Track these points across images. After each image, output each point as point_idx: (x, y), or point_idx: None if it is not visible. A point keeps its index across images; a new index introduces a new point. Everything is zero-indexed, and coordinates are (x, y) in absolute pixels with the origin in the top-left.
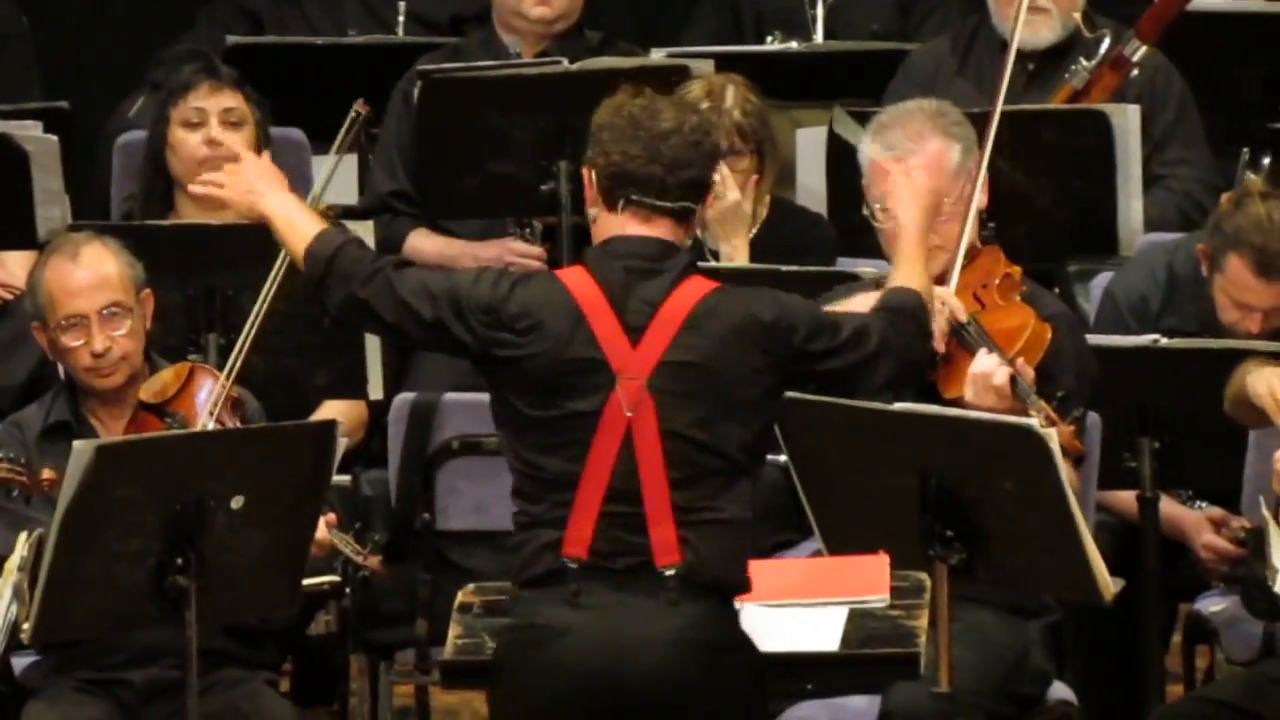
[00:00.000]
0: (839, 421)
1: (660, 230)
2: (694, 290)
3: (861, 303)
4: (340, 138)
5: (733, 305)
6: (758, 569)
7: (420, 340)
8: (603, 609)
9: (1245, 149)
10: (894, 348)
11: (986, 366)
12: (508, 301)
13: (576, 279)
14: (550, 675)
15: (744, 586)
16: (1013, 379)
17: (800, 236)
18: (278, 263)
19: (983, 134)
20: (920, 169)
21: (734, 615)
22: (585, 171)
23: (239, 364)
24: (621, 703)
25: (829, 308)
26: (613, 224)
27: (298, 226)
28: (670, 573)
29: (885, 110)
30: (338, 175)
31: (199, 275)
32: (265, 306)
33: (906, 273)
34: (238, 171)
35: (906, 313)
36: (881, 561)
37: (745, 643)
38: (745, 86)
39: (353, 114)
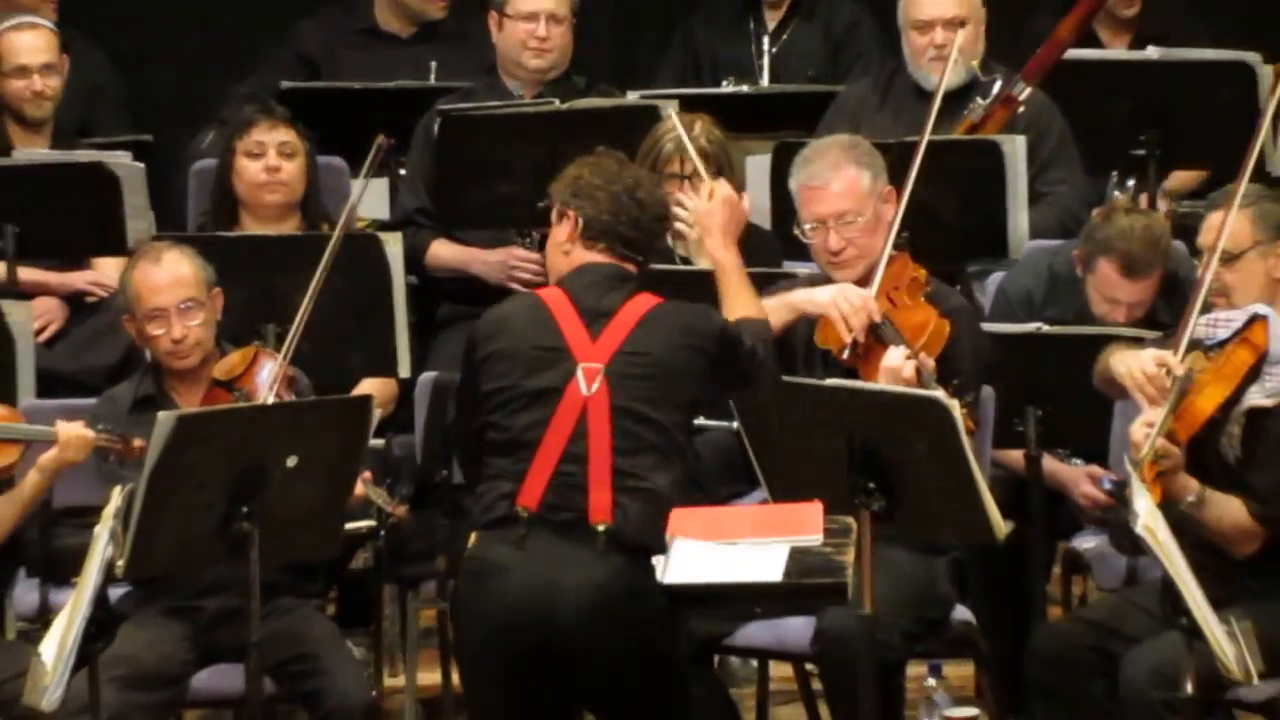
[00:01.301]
0: (783, 394)
1: (619, 260)
2: (644, 302)
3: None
4: (366, 164)
5: (675, 315)
6: (715, 514)
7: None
8: (542, 554)
9: (1114, 172)
10: (769, 368)
11: (895, 362)
12: (481, 333)
13: (550, 292)
14: (493, 605)
15: (662, 549)
16: (917, 371)
17: (751, 247)
18: (321, 265)
19: (907, 162)
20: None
21: (650, 570)
22: (571, 215)
23: (292, 348)
24: (549, 635)
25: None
26: (586, 255)
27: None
28: (601, 529)
29: (808, 146)
30: (374, 195)
31: (258, 277)
32: (312, 302)
33: (740, 303)
34: (720, 203)
35: (768, 342)
36: (816, 508)
37: (656, 593)
38: (709, 121)
39: (376, 145)
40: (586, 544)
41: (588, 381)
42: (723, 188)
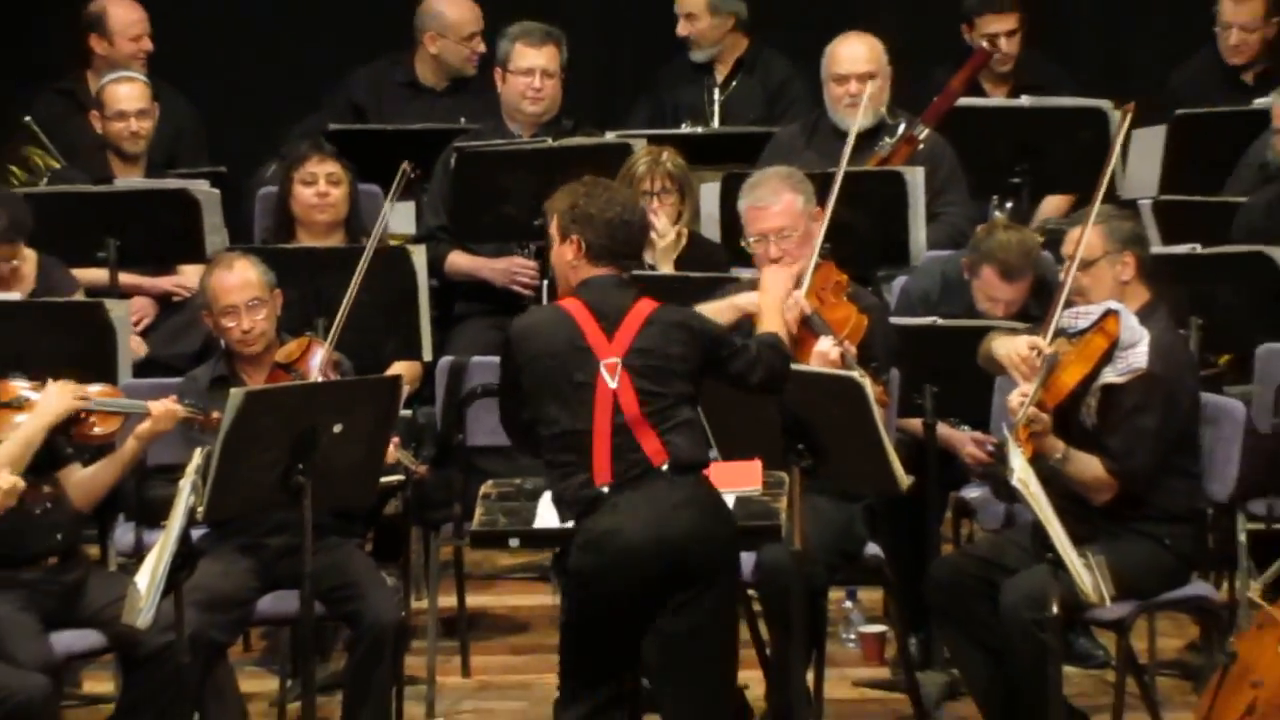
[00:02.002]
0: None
1: (619, 271)
2: (647, 305)
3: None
4: (394, 187)
5: (673, 316)
6: None
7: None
8: (633, 506)
9: (995, 197)
10: (766, 363)
11: (825, 348)
12: (525, 331)
13: (569, 302)
14: (619, 561)
15: (707, 460)
16: (842, 355)
17: (704, 255)
18: (358, 271)
19: (829, 188)
20: (784, 273)
21: (707, 480)
22: (575, 239)
23: (336, 337)
24: (668, 556)
25: (714, 301)
26: (591, 270)
27: None
28: (664, 467)
29: (754, 175)
30: (403, 215)
31: (311, 280)
32: (351, 300)
33: (767, 325)
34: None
35: (773, 347)
36: (756, 465)
37: (722, 498)
38: (673, 151)
39: (401, 170)
40: (660, 482)
41: (610, 375)
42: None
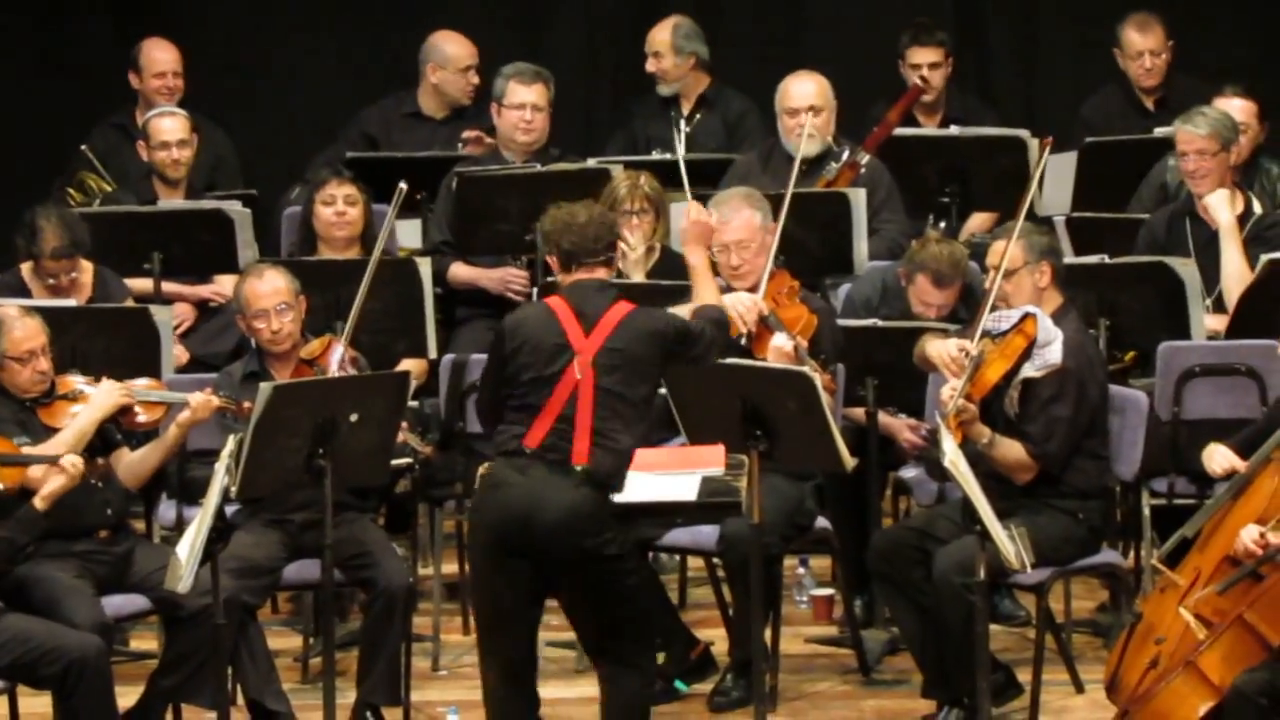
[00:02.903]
0: (696, 370)
1: (597, 274)
2: (622, 309)
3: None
4: (394, 203)
5: (643, 319)
6: (652, 452)
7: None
8: (536, 478)
9: (931, 215)
10: (716, 341)
11: (781, 343)
12: (514, 325)
13: (555, 301)
14: (496, 508)
15: (618, 488)
16: (796, 349)
17: (674, 267)
18: (366, 278)
19: (779, 208)
20: (701, 212)
21: (608, 501)
22: (550, 258)
23: (350, 335)
24: (532, 535)
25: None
26: (570, 276)
27: None
28: (579, 468)
29: (718, 194)
30: (411, 231)
31: (331, 287)
32: (361, 303)
33: (704, 293)
34: (691, 221)
35: (719, 320)
36: (720, 448)
37: (609, 516)
38: (650, 175)
39: (398, 190)
40: (568, 476)
41: (580, 368)
42: (695, 210)
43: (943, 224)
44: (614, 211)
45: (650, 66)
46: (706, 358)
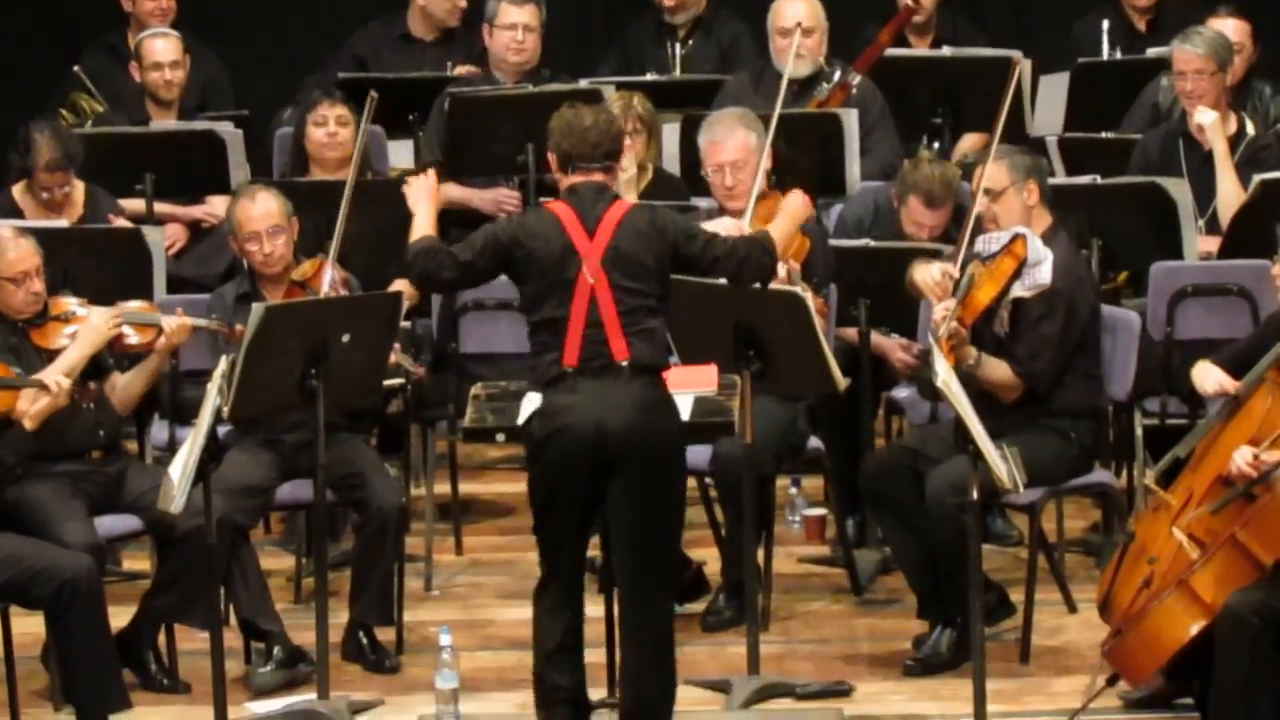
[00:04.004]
0: (688, 290)
1: (595, 178)
2: (621, 207)
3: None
4: (365, 113)
5: (644, 215)
6: None
7: (462, 276)
8: (589, 392)
9: (923, 136)
10: (745, 259)
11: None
12: (515, 234)
13: (557, 205)
14: (564, 433)
15: (666, 365)
16: (789, 273)
17: (668, 188)
18: (345, 196)
19: (768, 127)
20: (805, 200)
21: (662, 383)
22: (549, 156)
23: (336, 254)
24: (607, 441)
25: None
26: (569, 179)
27: (417, 229)
28: (624, 364)
29: (712, 115)
30: (404, 151)
31: (322, 209)
32: (343, 225)
33: (774, 229)
34: (414, 184)
35: (759, 243)
36: (713, 369)
37: (670, 399)
38: (643, 96)
39: (369, 98)
40: (618, 377)
41: (591, 272)
42: (798, 197)
43: (935, 145)
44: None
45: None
46: (724, 265)
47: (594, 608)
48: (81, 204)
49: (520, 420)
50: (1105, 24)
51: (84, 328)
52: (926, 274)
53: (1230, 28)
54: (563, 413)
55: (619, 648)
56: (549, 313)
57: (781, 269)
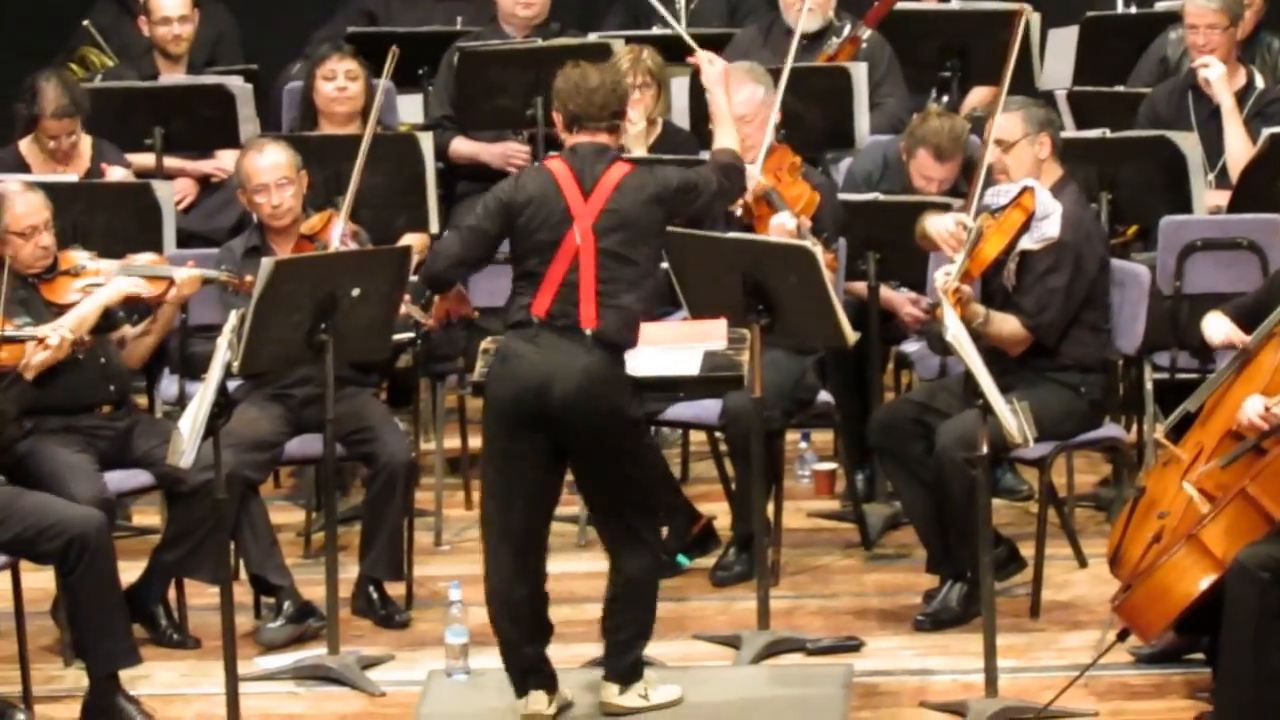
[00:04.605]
0: (697, 244)
1: (599, 139)
2: (621, 169)
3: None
4: (385, 68)
5: (643, 177)
6: (654, 326)
7: (485, 245)
8: (547, 346)
9: (932, 89)
10: (724, 189)
11: (783, 221)
12: (514, 194)
13: (554, 163)
14: (512, 380)
15: (630, 346)
16: (799, 228)
17: (676, 142)
18: (361, 151)
19: (778, 81)
20: (718, 60)
21: (622, 360)
22: (555, 115)
23: (349, 210)
24: (549, 402)
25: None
26: (573, 138)
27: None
28: (589, 332)
29: None
30: (413, 106)
31: (331, 162)
32: (358, 180)
33: (723, 136)
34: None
35: (730, 165)
36: (722, 323)
37: (625, 375)
38: (652, 50)
39: (390, 53)
40: (578, 341)
41: (580, 233)
42: (707, 56)
43: (944, 98)
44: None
45: None
46: (714, 205)
47: (580, 563)
48: (88, 157)
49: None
50: None
51: (99, 284)
52: (940, 225)
53: None
54: (514, 359)
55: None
56: (531, 266)
57: (792, 223)
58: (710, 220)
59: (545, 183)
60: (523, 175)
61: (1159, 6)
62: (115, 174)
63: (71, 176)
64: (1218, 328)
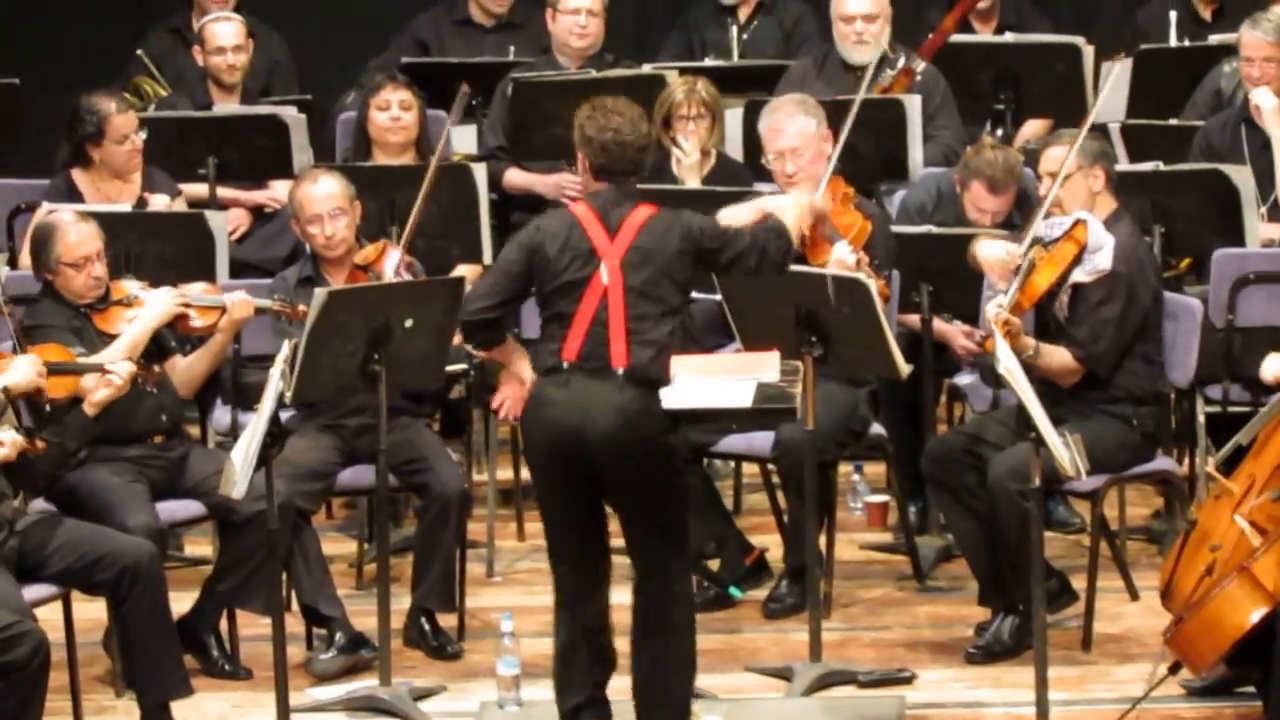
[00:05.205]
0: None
1: (623, 184)
2: (645, 211)
3: (757, 205)
4: (455, 105)
5: (668, 219)
6: (707, 358)
7: (514, 287)
8: (579, 390)
9: (986, 121)
10: (765, 250)
11: (842, 254)
12: (538, 235)
13: (578, 207)
14: (545, 426)
15: (664, 382)
16: (858, 263)
17: (730, 173)
18: (425, 183)
19: (838, 114)
20: (809, 197)
21: (656, 396)
22: (581, 157)
23: (407, 242)
24: (587, 445)
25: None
26: (596, 184)
27: None
28: (620, 371)
29: (772, 101)
30: (467, 136)
31: (385, 192)
32: (419, 210)
33: (786, 220)
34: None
35: (776, 233)
36: (775, 354)
37: (660, 411)
38: (707, 81)
39: (461, 91)
40: (611, 381)
41: (608, 273)
42: (818, 203)
43: (998, 131)
44: (671, 115)
45: None
46: (745, 259)
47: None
48: (139, 186)
49: None
50: (1173, 15)
51: (149, 301)
52: (991, 251)
53: None
54: (548, 404)
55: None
56: (560, 309)
57: (851, 258)
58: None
59: (570, 225)
60: (545, 218)
61: (1212, 39)
62: (157, 202)
63: (124, 206)
64: (1272, 366)
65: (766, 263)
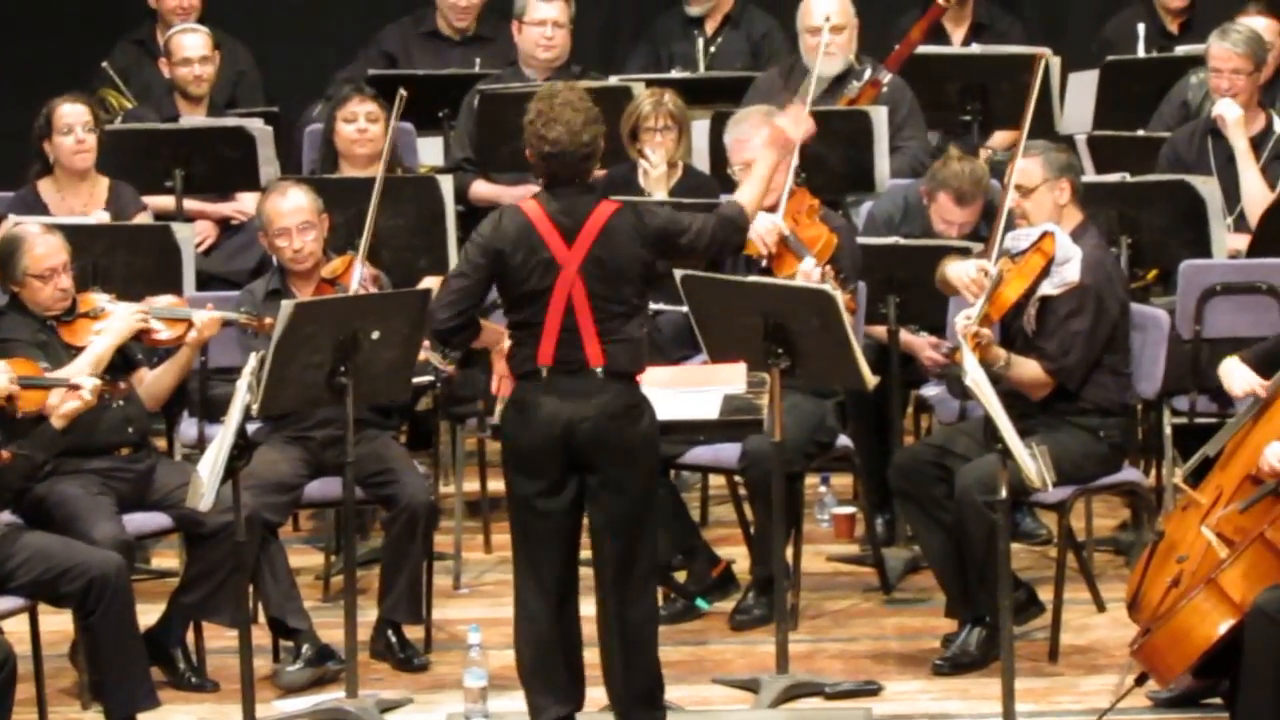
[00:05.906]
0: (718, 288)
1: (579, 179)
2: (604, 211)
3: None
4: (394, 109)
5: (626, 224)
6: (671, 371)
7: (479, 290)
8: (561, 390)
9: (954, 133)
10: (716, 240)
11: (809, 267)
12: (495, 239)
13: (530, 207)
14: (530, 427)
15: (640, 370)
16: (823, 276)
17: (696, 184)
18: (374, 193)
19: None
20: (790, 128)
21: (636, 387)
22: (529, 155)
23: (365, 251)
24: (572, 441)
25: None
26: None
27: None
28: (599, 370)
29: (738, 112)
30: (433, 148)
31: (352, 205)
32: (374, 218)
33: (746, 191)
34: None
35: (732, 220)
36: (741, 366)
37: (644, 402)
38: (674, 93)
39: (399, 95)
40: (591, 379)
41: (569, 282)
42: (785, 117)
43: (972, 141)
44: (638, 127)
45: None
46: (695, 246)
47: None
48: (104, 199)
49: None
50: (1141, 27)
51: (111, 318)
52: (961, 270)
53: (1262, 26)
54: (529, 406)
55: (599, 643)
56: (527, 315)
57: (816, 271)
58: (731, 263)
59: (525, 228)
60: (502, 219)
61: (1179, 50)
62: (96, 216)
63: (94, 218)
64: (1239, 378)
65: (724, 251)
